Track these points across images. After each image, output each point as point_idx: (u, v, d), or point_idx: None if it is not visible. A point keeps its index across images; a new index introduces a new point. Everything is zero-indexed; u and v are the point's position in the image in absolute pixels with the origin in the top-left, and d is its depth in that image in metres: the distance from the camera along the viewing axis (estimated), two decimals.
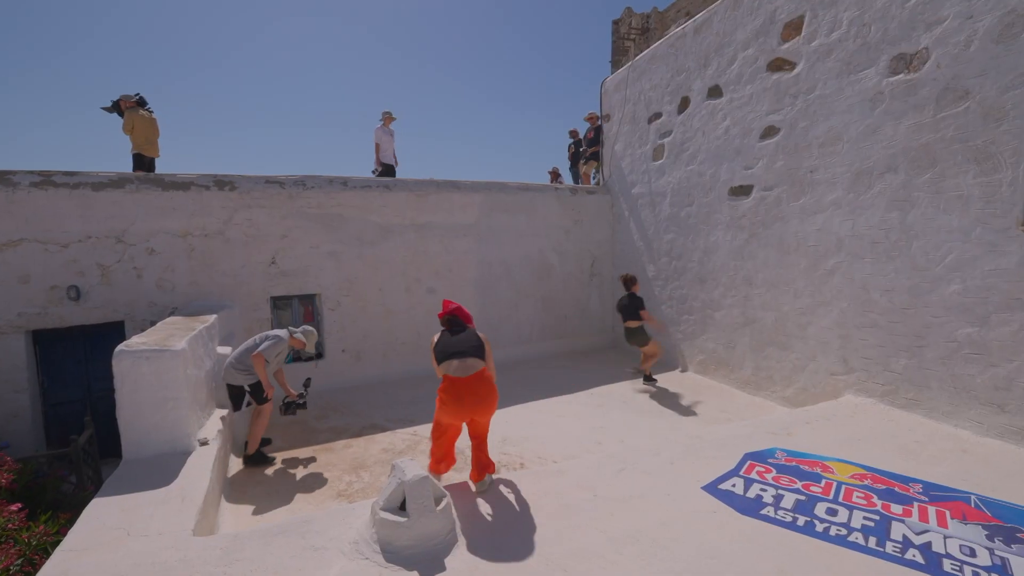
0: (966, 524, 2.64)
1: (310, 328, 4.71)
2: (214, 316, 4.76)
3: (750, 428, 3.98)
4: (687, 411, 5.40)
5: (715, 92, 6.23)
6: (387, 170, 8.29)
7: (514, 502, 2.89)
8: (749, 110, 5.71)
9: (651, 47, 7.52)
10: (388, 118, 8.45)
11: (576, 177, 10.44)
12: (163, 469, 3.27)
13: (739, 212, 5.92)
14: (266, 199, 6.05)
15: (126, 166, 6.75)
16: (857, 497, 2.91)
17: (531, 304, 7.92)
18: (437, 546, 2.44)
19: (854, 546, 2.46)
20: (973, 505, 2.83)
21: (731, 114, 5.98)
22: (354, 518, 2.72)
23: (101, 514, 2.74)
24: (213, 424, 4.00)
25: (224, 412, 4.36)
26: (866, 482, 3.10)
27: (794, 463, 3.37)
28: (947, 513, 2.74)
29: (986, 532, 2.57)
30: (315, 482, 4.00)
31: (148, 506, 2.84)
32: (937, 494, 2.94)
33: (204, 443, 3.61)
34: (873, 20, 4.38)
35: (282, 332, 4.50)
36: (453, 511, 2.64)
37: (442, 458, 3.35)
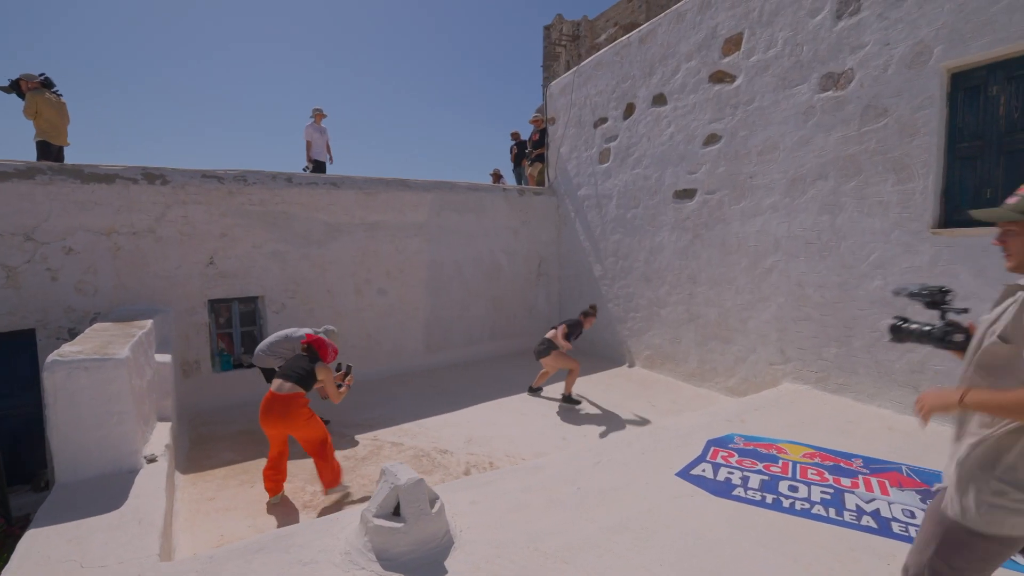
0: (903, 491, 2.98)
1: (332, 328, 4.87)
2: (150, 321, 4.36)
3: (708, 417, 4.24)
4: (641, 404, 5.64)
5: (660, 100, 6.56)
6: (318, 167, 8.18)
7: (502, 500, 2.90)
8: (693, 118, 6.07)
9: (596, 54, 7.77)
10: (319, 115, 8.35)
11: (519, 178, 10.56)
12: (108, 491, 2.95)
13: (683, 214, 6.27)
14: (203, 195, 5.62)
15: (29, 155, 6.01)
16: (812, 474, 3.20)
17: (482, 304, 7.92)
18: (434, 550, 2.40)
19: (818, 517, 2.71)
20: (905, 474, 3.20)
21: (675, 121, 6.32)
22: (339, 528, 2.61)
23: (42, 547, 2.43)
24: (159, 439, 3.66)
25: (169, 424, 4.01)
26: (816, 460, 3.41)
27: (752, 447, 3.63)
28: (887, 483, 3.08)
29: (919, 496, 2.91)
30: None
31: (99, 532, 2.55)
32: (876, 466, 3.30)
33: (152, 460, 3.30)
34: (805, 41, 4.81)
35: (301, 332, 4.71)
36: (446, 513, 2.60)
37: (269, 477, 3.68)
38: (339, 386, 4.01)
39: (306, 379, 3.68)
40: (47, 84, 6.35)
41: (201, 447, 4.62)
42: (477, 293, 7.85)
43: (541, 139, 9.42)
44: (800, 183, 4.92)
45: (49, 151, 6.18)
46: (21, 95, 6.19)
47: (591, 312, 5.89)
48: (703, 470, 3.26)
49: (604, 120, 7.60)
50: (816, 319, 4.84)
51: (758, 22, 5.24)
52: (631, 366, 7.17)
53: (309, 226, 6.32)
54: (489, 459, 4.31)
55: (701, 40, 5.90)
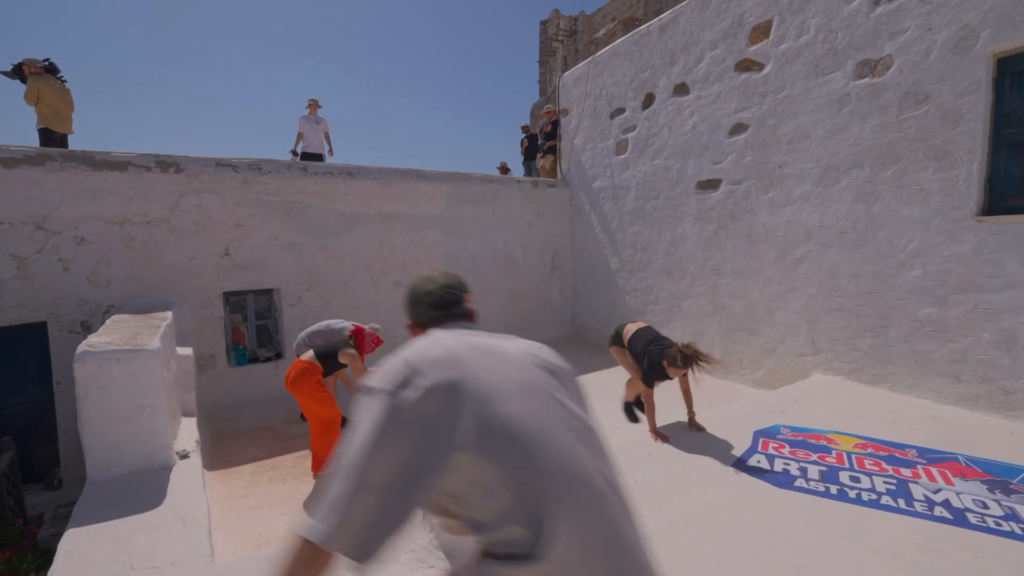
0: (967, 481, 2.92)
1: (377, 326, 4.73)
2: (170, 313, 4.20)
3: (748, 408, 4.16)
4: (667, 396, 5.55)
5: (682, 89, 6.47)
6: (312, 160, 7.76)
7: None
8: (717, 107, 5.99)
9: (613, 43, 7.66)
10: (313, 105, 8.07)
11: (530, 172, 10.44)
12: (144, 488, 2.81)
13: (707, 205, 6.19)
14: (217, 184, 5.44)
15: (31, 143, 5.78)
16: (869, 464, 3.13)
17: (497, 298, 7.80)
18: None
19: (888, 508, 2.63)
20: (964, 463, 3.13)
21: (699, 111, 6.24)
22: None
23: (86, 547, 2.30)
24: (187, 434, 3.51)
25: (194, 420, 3.86)
26: (869, 450, 3.34)
27: (800, 437, 3.56)
28: (948, 472, 3.01)
29: (985, 486, 2.85)
30: (305, 492, 3.64)
31: (142, 532, 2.42)
32: (932, 456, 3.23)
33: (184, 456, 3.16)
34: (840, 27, 4.74)
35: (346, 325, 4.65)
36: None
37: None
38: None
39: (327, 357, 3.84)
40: (51, 70, 6.13)
41: (223, 443, 4.47)
42: (493, 286, 7.73)
43: (553, 131, 9.30)
44: (833, 172, 4.85)
45: (52, 139, 5.96)
46: (24, 80, 5.97)
47: (677, 359, 3.46)
48: (758, 461, 3.18)
49: (621, 111, 7.49)
50: (850, 309, 4.78)
51: (788, 9, 5.16)
52: None
53: (325, 216, 6.16)
54: None
55: (727, 28, 5.80)
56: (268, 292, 5.94)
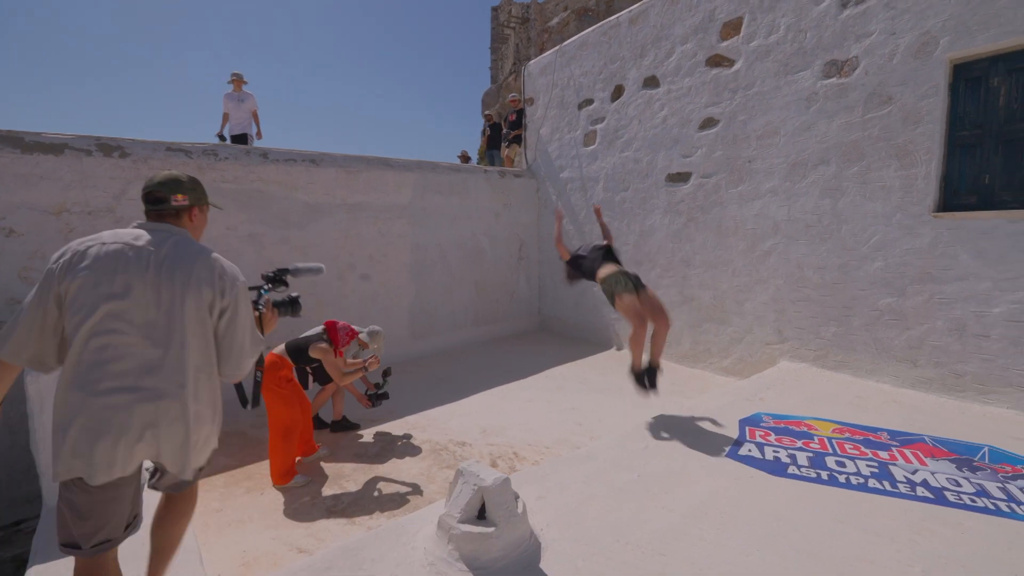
0: (937, 460, 3.13)
1: (377, 329, 4.56)
2: None
3: (728, 397, 4.30)
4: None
5: (652, 82, 6.53)
6: (237, 141, 7.33)
7: (567, 492, 2.77)
8: (688, 101, 6.09)
9: (580, 34, 7.62)
10: (237, 81, 7.42)
11: (492, 161, 10.30)
12: None
13: (677, 197, 6.32)
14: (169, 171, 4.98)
15: None
16: (850, 448, 3.30)
17: (465, 289, 7.67)
18: (525, 553, 2.23)
19: (876, 491, 2.78)
20: (931, 444, 3.37)
21: (669, 104, 6.32)
22: (409, 537, 2.37)
23: None
24: None
25: None
26: (847, 435, 3.52)
27: (782, 424, 3.71)
28: (920, 453, 3.23)
29: (954, 465, 3.07)
30: (292, 502, 3.44)
31: (122, 563, 2.18)
32: (902, 438, 3.45)
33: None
34: (808, 27, 4.90)
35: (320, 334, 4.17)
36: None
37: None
38: (359, 368, 4.00)
39: (298, 352, 3.72)
40: None
41: None
42: (460, 278, 7.59)
43: (518, 120, 9.20)
44: (801, 168, 5.05)
45: None
46: None
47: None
48: (749, 450, 3.28)
49: (590, 101, 7.49)
50: (815, 300, 5.02)
51: (759, 7, 5.29)
52: (619, 349, 7.21)
53: (287, 206, 5.80)
54: (512, 449, 4.15)
55: (698, 23, 5.89)
56: None
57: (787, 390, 4.46)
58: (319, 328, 4.17)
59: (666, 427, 3.66)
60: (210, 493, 3.50)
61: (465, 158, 11.89)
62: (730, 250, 5.77)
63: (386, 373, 4.60)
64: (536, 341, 7.94)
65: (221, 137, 7.43)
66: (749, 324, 5.63)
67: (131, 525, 1.75)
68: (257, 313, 2.05)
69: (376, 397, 4.41)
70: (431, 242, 7.22)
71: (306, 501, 3.42)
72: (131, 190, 4.78)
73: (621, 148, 7.02)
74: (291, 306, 2.30)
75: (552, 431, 4.50)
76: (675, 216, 6.36)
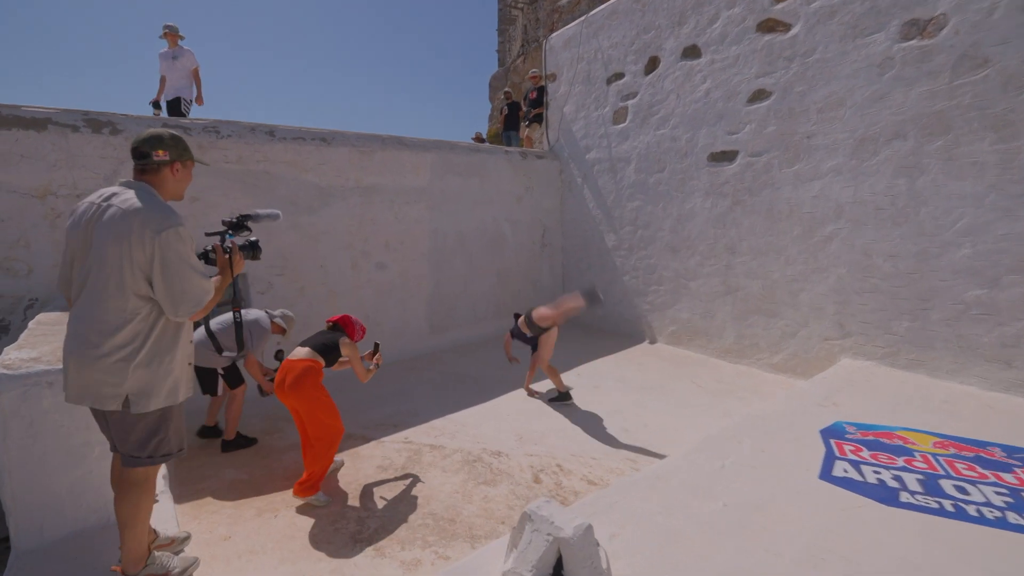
0: None
1: (289, 313, 4.17)
2: None
3: (795, 401, 3.81)
4: (685, 385, 5.19)
5: (692, 52, 5.95)
6: (172, 108, 6.26)
7: (645, 528, 2.30)
8: (735, 72, 5.52)
9: (610, 1, 7.02)
10: (171, 36, 6.14)
11: (509, 143, 9.74)
12: (97, 556, 2.10)
13: (721, 179, 5.77)
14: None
15: None
16: (963, 469, 2.81)
17: (486, 279, 7.19)
18: None
19: (1019, 528, 2.30)
20: None
21: (712, 76, 5.75)
22: None
23: None
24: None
25: None
26: (951, 451, 3.03)
27: (871, 436, 3.22)
28: None
29: None
30: (312, 524, 2.99)
31: None
32: (1021, 456, 2.96)
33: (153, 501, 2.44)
34: None
35: (261, 316, 3.89)
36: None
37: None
38: (372, 365, 3.59)
39: (328, 351, 3.30)
40: None
41: (192, 463, 3.71)
42: (481, 266, 7.10)
43: (539, 98, 8.63)
44: (871, 143, 4.50)
45: None
46: None
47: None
48: (845, 471, 2.80)
49: (620, 75, 6.91)
50: (885, 291, 4.50)
51: None
52: (653, 342, 6.73)
53: (296, 189, 5.31)
54: (555, 461, 3.69)
55: None
56: (234, 277, 5.06)
57: (861, 393, 3.96)
58: (260, 319, 3.85)
59: (736, 438, 3.18)
60: (217, 515, 3.06)
61: (479, 140, 11.32)
62: (783, 236, 5.24)
63: (278, 355, 4.14)
64: (562, 333, 7.40)
65: (155, 105, 6.32)
66: (804, 317, 5.12)
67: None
68: (227, 256, 2.19)
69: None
70: (450, 228, 6.71)
71: (326, 526, 2.97)
72: (124, 170, 4.29)
73: (656, 125, 6.46)
74: (251, 249, 2.35)
75: (596, 438, 4.03)
76: (718, 199, 5.83)
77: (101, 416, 1.93)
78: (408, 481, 3.45)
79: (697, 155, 6.01)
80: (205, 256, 2.14)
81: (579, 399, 4.87)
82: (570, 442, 3.98)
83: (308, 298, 5.46)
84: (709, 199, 5.93)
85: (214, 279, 2.10)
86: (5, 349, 2.34)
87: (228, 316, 3.79)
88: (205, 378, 3.78)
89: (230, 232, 2.29)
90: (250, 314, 3.84)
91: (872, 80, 4.45)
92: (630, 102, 6.79)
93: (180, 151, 2.00)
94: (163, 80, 6.22)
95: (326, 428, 3.14)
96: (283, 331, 4.07)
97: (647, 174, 6.65)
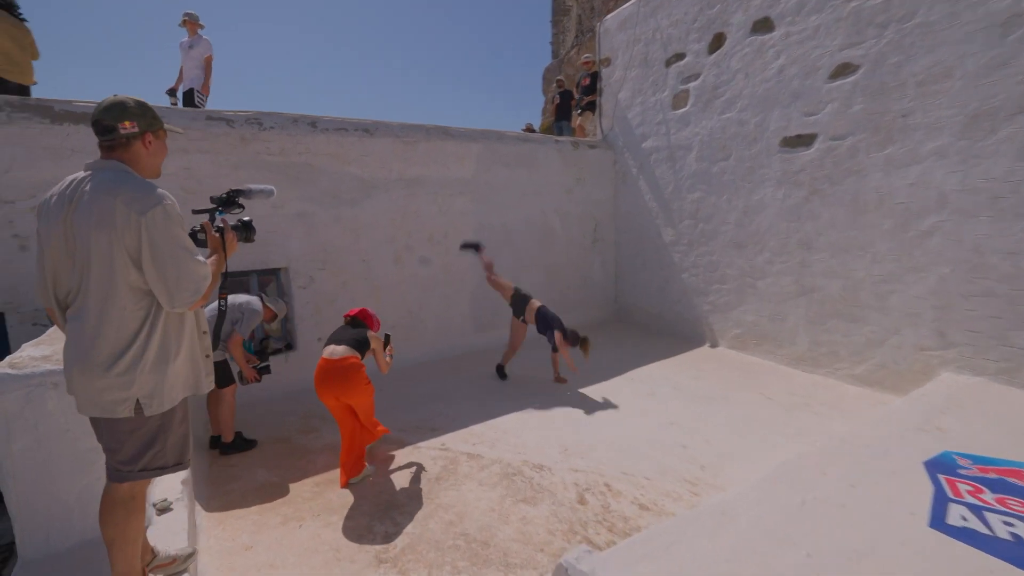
0: None
1: (281, 300, 4.19)
2: None
3: (890, 424, 3.25)
4: (753, 396, 4.66)
5: (764, 26, 5.34)
6: (187, 99, 6.10)
7: None
8: (814, 45, 4.88)
9: None
10: (190, 24, 5.98)
11: (561, 133, 9.34)
12: (106, 567, 1.95)
13: (796, 166, 5.16)
14: (209, 141, 4.46)
15: None
16: None
17: (534, 275, 6.86)
18: None
19: None
20: None
21: (787, 51, 5.13)
22: None
23: None
24: (171, 475, 2.64)
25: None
26: None
27: (992, 474, 2.65)
28: None
29: None
30: (337, 538, 2.79)
31: None
32: None
33: (165, 509, 2.30)
34: None
35: (253, 300, 3.79)
36: None
37: (346, 460, 3.40)
38: (387, 356, 3.70)
39: (361, 345, 3.36)
40: (6, 6, 5.08)
41: (223, 465, 3.63)
42: (529, 261, 6.78)
43: (592, 85, 8.18)
44: (987, 120, 3.81)
45: (5, 91, 4.96)
46: None
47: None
48: (963, 518, 2.28)
49: (680, 56, 6.37)
50: (1002, 295, 3.81)
51: None
52: (714, 346, 6.18)
53: (339, 182, 5.18)
54: (603, 479, 3.32)
55: None
56: (275, 272, 5.01)
57: (973, 417, 3.34)
58: (252, 303, 3.78)
59: (818, 467, 2.70)
60: (242, 522, 2.92)
61: (530, 130, 10.97)
62: (870, 229, 4.59)
63: (265, 347, 4.18)
64: (614, 334, 7.03)
65: (171, 93, 6.13)
66: (895, 323, 4.47)
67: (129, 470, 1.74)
68: (218, 234, 1.95)
69: (263, 369, 3.90)
70: (496, 221, 6.43)
71: (351, 540, 2.76)
72: (169, 164, 4.23)
73: (721, 109, 5.89)
74: (244, 230, 2.12)
75: (651, 455, 3.63)
76: (792, 188, 5.21)
77: (96, 421, 1.75)
78: (441, 494, 3.19)
79: (768, 140, 5.40)
80: (193, 236, 1.90)
81: (632, 407, 4.46)
82: (621, 457, 3.60)
83: (350, 292, 5.34)
84: (781, 189, 5.32)
85: (210, 261, 1.86)
86: (24, 344, 2.26)
87: (214, 305, 3.62)
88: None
89: (220, 209, 2.04)
90: (241, 297, 3.74)
91: (991, 44, 3.75)
92: (692, 84, 6.24)
93: (149, 120, 1.73)
94: (182, 70, 6.10)
95: (371, 408, 3.42)
96: (274, 316, 4.02)
97: (710, 163, 6.09)
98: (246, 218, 2.12)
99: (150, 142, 1.75)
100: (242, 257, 4.71)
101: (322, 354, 3.27)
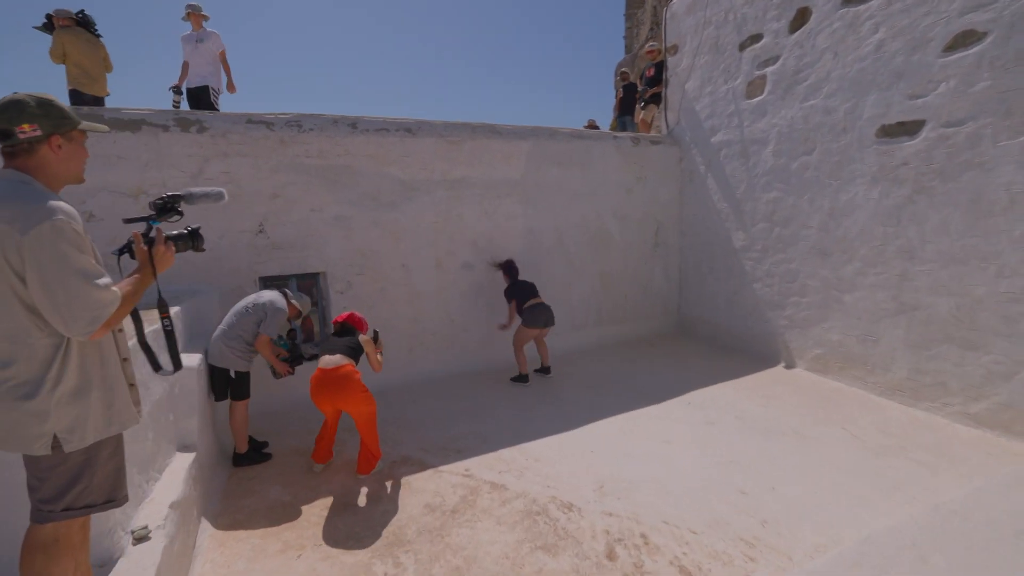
0: None
1: (304, 295, 4.11)
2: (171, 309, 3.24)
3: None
4: (833, 431, 3.95)
5: None
6: (196, 96, 5.76)
7: None
8: (924, 12, 4.06)
9: None
10: (195, 16, 5.67)
11: (624, 128, 8.76)
12: None
13: (897, 159, 4.34)
14: (249, 145, 4.44)
15: None
16: None
17: (587, 282, 6.40)
18: None
19: None
20: None
21: (888, 22, 4.33)
22: None
23: None
24: (165, 489, 2.51)
25: (191, 457, 2.89)
26: None
27: None
28: None
29: None
30: (331, 573, 2.55)
31: None
32: None
33: (143, 538, 2.14)
34: None
35: (277, 298, 3.70)
36: None
37: (319, 447, 3.58)
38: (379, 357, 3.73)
39: (355, 352, 3.47)
40: (83, 23, 5.41)
41: (243, 478, 3.53)
42: (582, 268, 6.34)
43: (657, 75, 7.56)
44: None
45: (82, 102, 5.27)
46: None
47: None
48: None
49: (756, 38, 5.65)
50: None
51: None
52: (789, 367, 5.42)
53: (379, 184, 5.03)
54: (640, 528, 2.85)
55: None
56: (314, 277, 4.94)
57: None
58: (263, 300, 3.66)
59: (919, 551, 2.08)
60: (241, 545, 2.76)
61: (593, 127, 10.43)
62: (996, 237, 3.73)
63: (291, 336, 4.15)
64: (675, 348, 6.41)
65: (176, 91, 5.76)
66: None
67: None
68: (146, 248, 1.69)
69: (296, 359, 3.89)
70: (546, 224, 6.05)
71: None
72: (209, 169, 4.30)
73: (804, 95, 5.13)
74: (191, 239, 1.86)
75: (702, 501, 3.10)
76: (891, 186, 4.40)
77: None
78: (454, 531, 2.87)
79: (861, 130, 4.60)
80: (129, 249, 1.69)
81: (685, 437, 3.92)
82: (664, 501, 3.10)
83: (389, 299, 5.18)
84: (877, 187, 4.51)
85: (124, 282, 1.61)
86: None
87: (248, 301, 3.65)
88: (218, 380, 3.55)
89: (154, 218, 1.79)
90: (264, 295, 3.67)
91: None
92: (769, 69, 5.50)
93: (56, 121, 1.50)
94: (186, 65, 5.74)
95: (373, 414, 3.43)
96: (299, 313, 3.98)
97: (789, 158, 5.33)
98: (195, 226, 1.89)
99: (59, 146, 1.53)
100: (281, 262, 4.68)
101: (318, 365, 3.34)
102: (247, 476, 3.52)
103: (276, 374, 3.77)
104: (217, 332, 3.56)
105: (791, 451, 3.67)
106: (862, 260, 4.68)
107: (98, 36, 5.51)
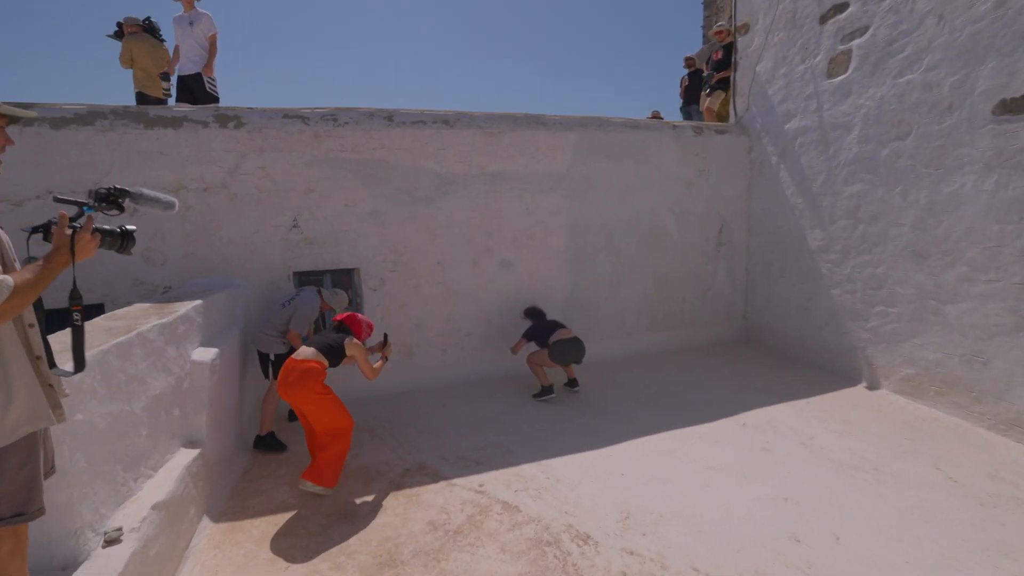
0: None
1: (341, 292, 4.22)
2: (189, 305, 3.24)
3: None
4: (922, 468, 3.27)
5: None
6: (187, 84, 5.42)
7: None
8: None
9: None
10: None
11: (689, 117, 8.11)
12: None
13: (1020, 141, 3.54)
14: (284, 140, 4.44)
15: None
16: None
17: (639, 283, 5.92)
18: None
19: None
20: None
21: None
22: None
23: None
24: (157, 487, 2.45)
25: (195, 453, 2.84)
26: None
27: None
28: None
29: None
30: None
31: None
32: None
33: (113, 540, 2.05)
34: None
35: (310, 295, 3.95)
36: None
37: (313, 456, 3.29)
38: (379, 359, 3.55)
39: (332, 351, 3.23)
40: (149, 29, 5.71)
41: (256, 476, 3.48)
42: (633, 268, 5.87)
43: (726, 58, 6.88)
44: None
45: (146, 104, 5.54)
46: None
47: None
48: None
49: (842, 7, 4.91)
50: None
51: None
52: (872, 388, 4.66)
53: (414, 178, 4.88)
54: (665, 574, 2.44)
55: None
56: (348, 272, 4.88)
57: None
58: (333, 325, 3.58)
59: None
60: (234, 551, 2.66)
61: (657, 118, 9.79)
62: None
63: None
64: (736, 359, 5.77)
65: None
66: None
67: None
68: (70, 231, 1.51)
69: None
70: (594, 221, 5.64)
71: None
72: (245, 164, 4.33)
73: (897, 70, 4.37)
74: (121, 239, 1.68)
75: (743, 547, 2.62)
76: (1011, 174, 3.60)
77: None
78: (452, 556, 2.60)
79: (972, 107, 3.82)
80: (45, 230, 1.53)
81: (733, 465, 3.41)
82: (698, 542, 2.65)
83: (423, 297, 5.02)
84: (991, 176, 3.71)
85: (26, 270, 1.42)
86: None
87: (286, 296, 4.01)
88: (263, 363, 3.90)
89: (90, 205, 1.62)
90: (301, 292, 3.96)
91: None
92: (855, 42, 4.76)
93: None
94: (177, 50, 5.49)
95: (331, 422, 3.13)
96: (332, 309, 4.10)
97: (879, 144, 4.58)
98: (131, 227, 1.73)
99: None
100: (314, 257, 4.64)
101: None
102: (260, 474, 3.47)
103: None
104: (258, 322, 3.96)
105: (866, 492, 3.07)
106: (969, 264, 3.89)
107: (162, 41, 5.80)
